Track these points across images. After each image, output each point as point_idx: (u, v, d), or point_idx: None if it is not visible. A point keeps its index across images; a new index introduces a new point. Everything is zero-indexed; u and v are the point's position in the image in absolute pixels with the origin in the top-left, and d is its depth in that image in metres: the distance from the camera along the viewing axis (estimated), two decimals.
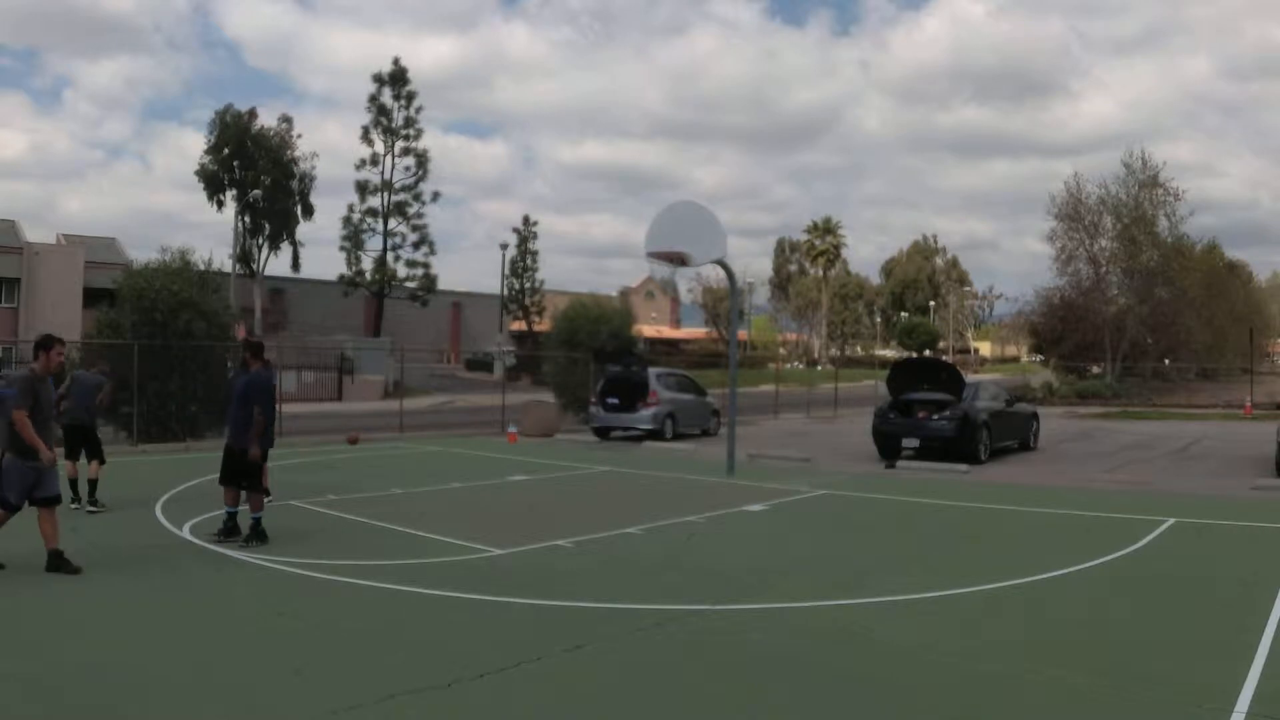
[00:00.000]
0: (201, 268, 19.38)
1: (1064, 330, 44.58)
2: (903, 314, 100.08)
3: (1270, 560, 8.61)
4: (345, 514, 10.34)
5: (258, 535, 8.66)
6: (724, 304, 70.42)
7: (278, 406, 10.56)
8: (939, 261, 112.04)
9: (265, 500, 9.11)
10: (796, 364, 76.92)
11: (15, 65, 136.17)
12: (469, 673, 5.07)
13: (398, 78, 47.63)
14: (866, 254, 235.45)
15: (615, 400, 20.99)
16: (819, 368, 70.13)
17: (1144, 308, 43.82)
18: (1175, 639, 6.03)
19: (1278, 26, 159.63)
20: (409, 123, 47.70)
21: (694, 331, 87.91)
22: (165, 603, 6.59)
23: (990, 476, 14.97)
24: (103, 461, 10.50)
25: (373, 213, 47.53)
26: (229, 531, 8.78)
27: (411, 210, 47.69)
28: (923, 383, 17.82)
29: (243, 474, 8.80)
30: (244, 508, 8.82)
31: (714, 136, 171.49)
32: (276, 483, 10.75)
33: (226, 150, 44.57)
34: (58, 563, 7.40)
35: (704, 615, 6.43)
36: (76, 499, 10.16)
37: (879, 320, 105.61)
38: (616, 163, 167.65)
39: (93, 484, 10.29)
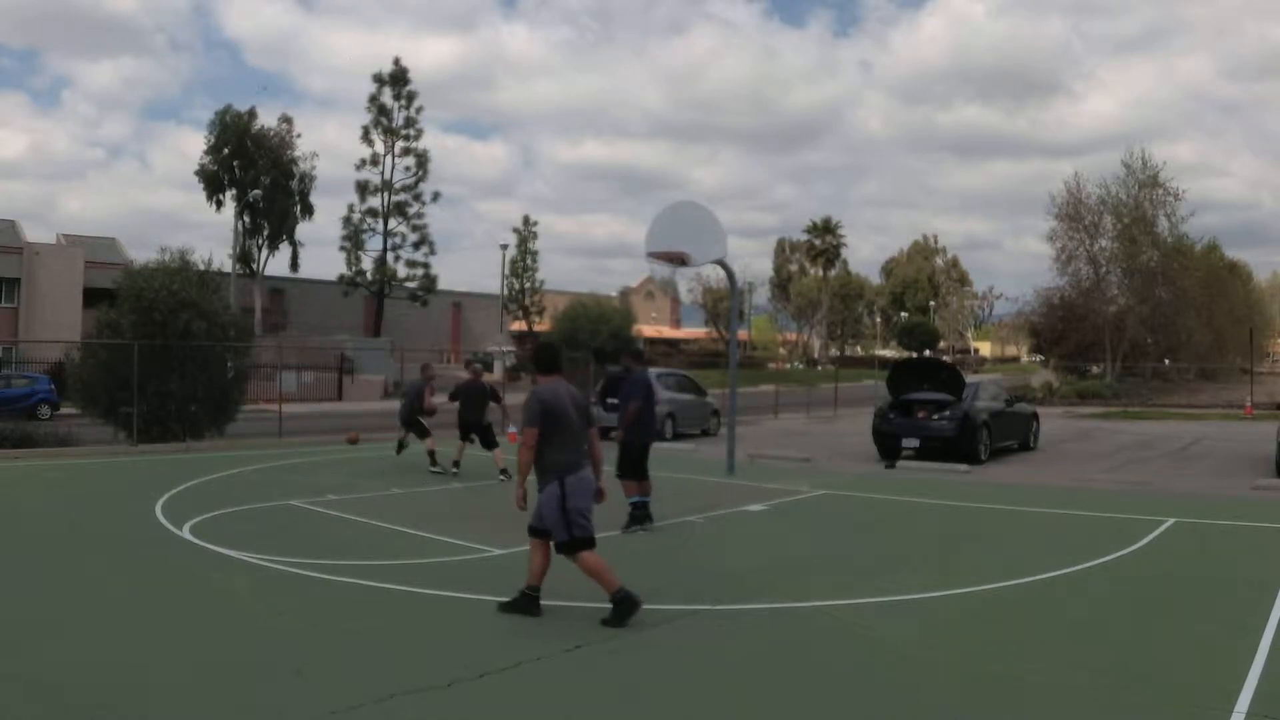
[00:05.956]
0: (201, 268, 19.37)
1: (1064, 330, 44.62)
2: (903, 314, 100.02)
3: (1270, 560, 8.61)
4: (345, 514, 10.34)
5: (639, 518, 9.49)
6: (724, 304, 70.40)
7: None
8: (939, 261, 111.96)
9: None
10: (796, 364, 76.88)
11: (15, 65, 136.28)
12: (469, 673, 5.07)
13: (398, 78, 47.68)
14: (866, 254, 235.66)
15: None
16: (819, 368, 70.10)
17: (1144, 308, 43.82)
18: (1175, 639, 6.03)
19: (1278, 26, 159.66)
20: (409, 123, 47.79)
21: (694, 331, 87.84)
22: (165, 603, 6.59)
23: (990, 476, 14.96)
24: (491, 444, 13.92)
25: (373, 213, 47.59)
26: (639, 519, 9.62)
27: (411, 210, 47.80)
28: (923, 383, 17.81)
29: (630, 464, 9.72)
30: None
31: (714, 136, 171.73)
32: (281, 482, 10.74)
33: (226, 150, 44.61)
34: None
35: (704, 615, 6.43)
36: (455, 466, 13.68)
37: (879, 320, 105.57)
38: (616, 163, 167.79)
39: (431, 455, 13.95)
